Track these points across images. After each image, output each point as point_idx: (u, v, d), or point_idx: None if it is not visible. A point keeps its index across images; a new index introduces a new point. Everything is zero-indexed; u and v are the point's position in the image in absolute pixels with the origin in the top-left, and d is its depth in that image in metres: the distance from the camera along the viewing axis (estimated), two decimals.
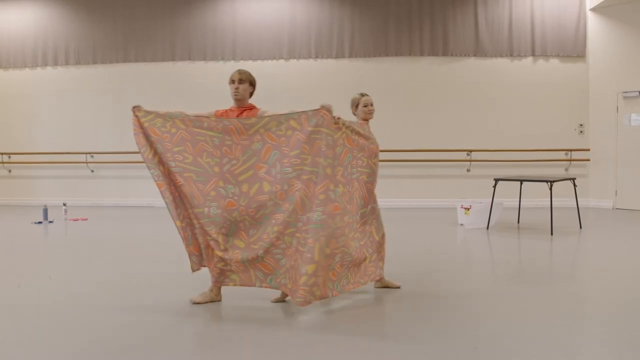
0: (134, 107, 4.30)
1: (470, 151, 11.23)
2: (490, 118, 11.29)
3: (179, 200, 4.30)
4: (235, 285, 4.28)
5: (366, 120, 4.78)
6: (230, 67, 11.56)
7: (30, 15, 11.99)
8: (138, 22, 11.70)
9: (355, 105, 4.78)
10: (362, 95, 4.78)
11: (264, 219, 4.15)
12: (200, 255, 4.37)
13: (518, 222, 8.87)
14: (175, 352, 3.23)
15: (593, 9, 10.97)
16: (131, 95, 11.78)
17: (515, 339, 3.46)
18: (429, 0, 11.18)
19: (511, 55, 11.17)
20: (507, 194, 10.94)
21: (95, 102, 12.01)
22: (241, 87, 4.36)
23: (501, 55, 11.19)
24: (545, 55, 11.13)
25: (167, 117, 4.26)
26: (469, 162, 11.32)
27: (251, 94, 4.47)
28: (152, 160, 4.26)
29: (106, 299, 4.46)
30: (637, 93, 10.29)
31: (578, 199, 9.48)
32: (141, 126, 4.27)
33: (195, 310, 4.18)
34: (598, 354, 3.21)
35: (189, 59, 11.66)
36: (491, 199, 8.55)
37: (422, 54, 11.27)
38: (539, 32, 11.07)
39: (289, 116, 4.12)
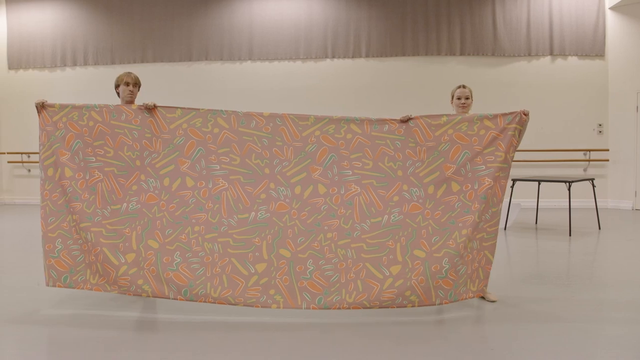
0: (43, 103, 4.21)
1: None
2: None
3: (57, 209, 4.11)
4: (148, 296, 3.95)
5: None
6: (247, 68, 11.59)
7: (49, 16, 12.10)
8: (155, 22, 11.77)
9: (451, 96, 4.65)
10: (459, 87, 4.62)
11: (315, 226, 4.02)
12: (68, 272, 4.07)
13: (536, 222, 8.81)
14: None
15: (612, 8, 10.85)
16: (148, 96, 11.80)
17: (532, 341, 3.43)
18: (446, 0, 11.14)
19: (529, 54, 11.09)
20: (525, 195, 10.86)
21: (113, 102, 12.07)
22: (135, 90, 4.59)
23: (519, 55, 11.11)
24: (564, 54, 11.04)
25: (84, 109, 4.19)
26: None
27: None
28: (43, 161, 4.16)
29: None
30: None
31: (597, 200, 9.39)
32: (51, 123, 4.16)
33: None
34: (616, 358, 3.18)
35: (206, 59, 11.71)
36: (509, 199, 8.50)
37: (439, 53, 11.23)
38: (557, 31, 10.97)
39: (349, 120, 4.16)
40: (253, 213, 4.04)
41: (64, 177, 4.12)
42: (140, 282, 3.98)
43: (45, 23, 12.13)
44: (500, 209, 4.14)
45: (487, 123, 4.07)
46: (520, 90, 11.18)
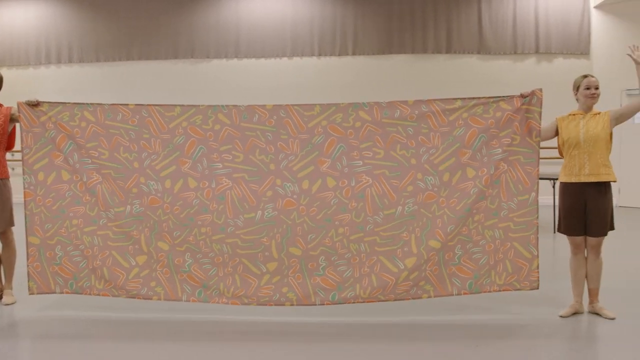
0: (28, 102, 4.02)
1: None
2: None
3: (52, 215, 4.01)
4: (160, 299, 3.95)
5: (589, 107, 4.15)
6: (234, 65, 11.56)
7: (34, 13, 12.00)
8: (141, 20, 11.70)
9: (576, 87, 4.23)
10: (585, 76, 4.18)
11: (325, 221, 3.91)
12: (69, 277, 4.01)
13: None
14: None
15: (597, 7, 10.93)
16: (134, 94, 11.78)
17: (511, 335, 3.45)
18: None
19: (515, 52, 11.14)
20: None
21: (99, 100, 12.01)
22: None
23: (505, 53, 11.16)
24: (549, 52, 11.10)
25: (76, 109, 4.01)
26: None
27: None
28: (32, 165, 4.03)
29: None
30: None
31: None
32: (39, 124, 4.01)
33: None
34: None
35: (192, 57, 11.66)
36: None
37: (425, 51, 11.25)
38: (543, 29, 11.03)
39: (357, 107, 3.97)
40: (259, 212, 3.92)
41: (60, 181, 4.02)
42: (153, 284, 3.95)
43: (29, 20, 12.02)
44: (534, 199, 3.92)
45: (503, 105, 3.93)
46: (506, 89, 11.20)
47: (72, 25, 11.89)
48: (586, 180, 4.00)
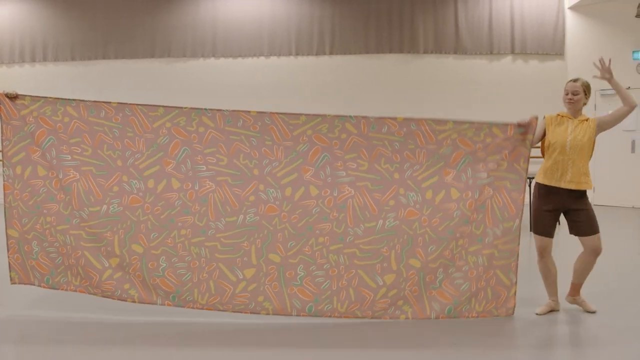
0: (15, 95, 3.92)
1: None
2: (470, 115, 11.27)
3: (29, 210, 3.96)
4: (134, 302, 3.93)
5: (575, 111, 4.12)
6: (211, 64, 11.50)
7: (6, 10, 11.81)
8: (117, 18, 11.57)
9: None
10: (569, 80, 4.24)
11: (306, 229, 3.87)
12: (46, 272, 3.98)
13: None
14: None
15: (571, 8, 11.05)
16: (110, 93, 11.61)
17: (489, 334, 3.48)
18: None
19: (491, 53, 11.23)
20: None
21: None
22: None
23: (481, 53, 11.25)
24: (525, 53, 11.21)
25: (58, 104, 3.94)
26: None
27: None
28: (10, 158, 3.95)
29: None
30: (614, 91, 10.38)
31: None
32: (19, 117, 3.91)
33: None
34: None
35: (169, 56, 11.57)
36: None
37: (402, 51, 11.30)
38: (518, 30, 11.13)
39: (344, 119, 3.88)
40: (242, 216, 3.88)
41: (35, 176, 3.95)
42: (126, 286, 3.90)
43: (3, 18, 11.82)
44: (517, 226, 3.90)
45: (496, 131, 3.89)
46: (482, 88, 11.31)
47: (47, 23, 11.72)
48: (567, 187, 4.02)
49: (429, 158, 3.88)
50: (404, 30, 11.25)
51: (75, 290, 3.99)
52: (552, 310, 4.14)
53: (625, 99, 4.07)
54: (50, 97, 3.98)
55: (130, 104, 4.00)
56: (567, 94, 4.15)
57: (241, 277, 3.89)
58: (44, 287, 4.02)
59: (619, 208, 10.35)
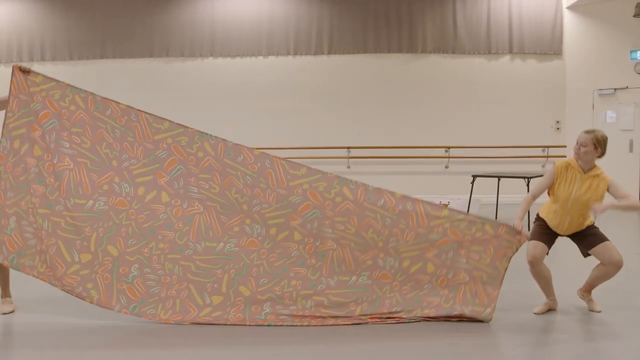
0: (22, 68, 3.95)
1: (449, 148, 11.27)
2: (468, 115, 11.33)
3: (18, 185, 3.91)
4: (92, 303, 3.88)
5: (586, 162, 4.01)
6: (209, 64, 11.49)
7: (5, 10, 11.78)
8: (115, 18, 11.54)
9: None
10: (584, 131, 4.09)
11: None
12: (18, 253, 3.90)
13: (496, 218, 8.91)
14: None
15: (570, 7, 11.05)
16: (109, 92, 11.47)
17: (487, 333, 3.49)
18: None
19: (489, 52, 11.23)
20: (486, 191, 10.97)
21: None
22: None
23: (479, 53, 11.25)
24: (523, 52, 11.20)
25: (68, 90, 3.97)
26: (447, 159, 11.36)
27: None
28: (11, 130, 3.91)
29: None
30: (613, 90, 10.40)
31: None
32: (28, 93, 3.94)
33: None
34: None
35: (167, 56, 11.55)
36: (469, 196, 8.60)
37: (400, 50, 11.29)
38: (516, 29, 11.13)
39: (342, 182, 3.95)
40: (222, 244, 3.92)
41: (31, 155, 3.92)
42: (89, 285, 3.85)
43: (1, 17, 11.80)
44: (488, 314, 3.90)
45: (487, 228, 3.92)
46: (480, 88, 11.31)
47: (45, 22, 11.69)
48: (564, 234, 4.11)
49: (416, 239, 3.92)
50: (402, 30, 11.24)
51: (37, 277, 3.89)
52: (550, 310, 4.15)
53: (634, 206, 4.13)
54: (62, 82, 3.99)
55: (138, 110, 4.02)
56: (576, 144, 4.06)
57: (208, 302, 3.91)
58: (6, 265, 3.92)
59: None
